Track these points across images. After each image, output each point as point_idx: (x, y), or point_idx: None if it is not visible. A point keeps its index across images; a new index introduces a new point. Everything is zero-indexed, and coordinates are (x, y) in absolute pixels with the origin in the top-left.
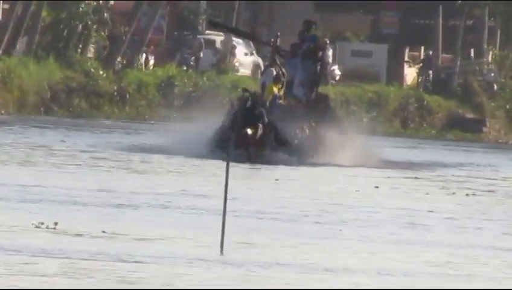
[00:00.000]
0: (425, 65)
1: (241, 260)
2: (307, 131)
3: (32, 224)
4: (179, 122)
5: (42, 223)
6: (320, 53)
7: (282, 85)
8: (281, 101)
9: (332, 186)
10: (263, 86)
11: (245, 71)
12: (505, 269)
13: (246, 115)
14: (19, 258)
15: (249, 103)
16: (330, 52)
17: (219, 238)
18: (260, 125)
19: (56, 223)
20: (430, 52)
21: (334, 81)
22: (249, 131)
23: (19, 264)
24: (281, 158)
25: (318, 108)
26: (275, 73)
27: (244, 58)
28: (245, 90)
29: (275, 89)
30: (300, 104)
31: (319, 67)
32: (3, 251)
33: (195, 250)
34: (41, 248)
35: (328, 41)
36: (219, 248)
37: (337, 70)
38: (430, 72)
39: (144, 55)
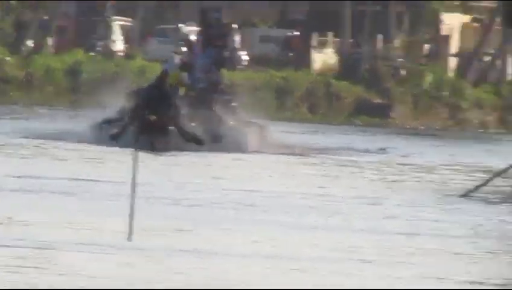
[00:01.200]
0: (335, 51)
1: (150, 246)
2: (210, 117)
3: None
4: (85, 108)
5: None
6: (224, 38)
7: (187, 72)
8: (184, 87)
9: (237, 172)
10: (165, 72)
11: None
12: (390, 252)
13: (150, 101)
14: None
15: (155, 88)
16: (237, 38)
17: (127, 224)
18: (164, 112)
19: None
20: (338, 38)
21: (241, 67)
22: (153, 117)
23: None
24: (184, 145)
25: (221, 94)
26: (178, 60)
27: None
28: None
29: (179, 76)
30: (202, 90)
31: (226, 52)
32: None
33: (104, 236)
34: None
35: (235, 27)
36: (127, 234)
37: (244, 56)
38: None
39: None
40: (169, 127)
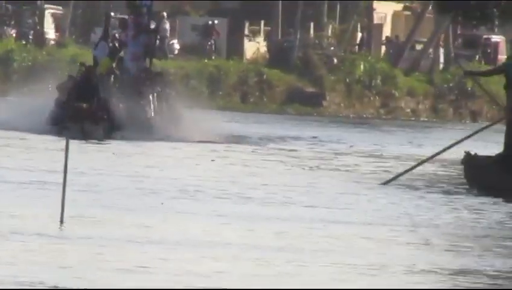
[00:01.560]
0: (267, 39)
1: (81, 234)
2: (144, 106)
3: None
4: (17, 97)
5: None
6: (154, 26)
7: (117, 59)
8: (115, 75)
9: (167, 160)
10: (95, 60)
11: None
12: (331, 242)
13: (80, 89)
14: None
15: (83, 76)
16: (167, 26)
17: (59, 212)
18: (95, 100)
19: None
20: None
21: (172, 55)
22: (83, 105)
23: None
24: (117, 133)
25: (152, 82)
26: (107, 46)
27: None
28: (82, 64)
29: (110, 63)
30: (133, 78)
31: (156, 40)
32: None
33: (35, 224)
34: None
35: (165, 15)
36: (59, 222)
37: (176, 45)
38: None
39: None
40: (100, 115)
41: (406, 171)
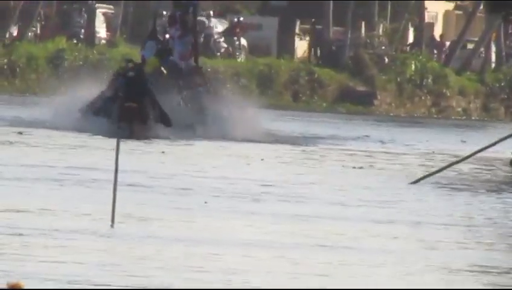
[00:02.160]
0: (315, 38)
1: (132, 233)
2: (192, 104)
3: None
4: (68, 96)
5: None
6: (200, 25)
7: (163, 58)
8: (162, 74)
9: (218, 160)
10: (143, 59)
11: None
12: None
13: (129, 88)
14: None
15: (132, 74)
16: (213, 24)
17: (109, 210)
18: (144, 99)
19: None
20: (318, 27)
21: (219, 53)
22: (133, 104)
23: None
24: (165, 132)
25: (199, 80)
26: (154, 46)
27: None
28: (129, 60)
29: (156, 63)
30: (181, 75)
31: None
32: None
33: (86, 223)
34: None
35: (212, 14)
36: (110, 221)
37: (223, 43)
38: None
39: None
40: (149, 115)
41: (441, 170)
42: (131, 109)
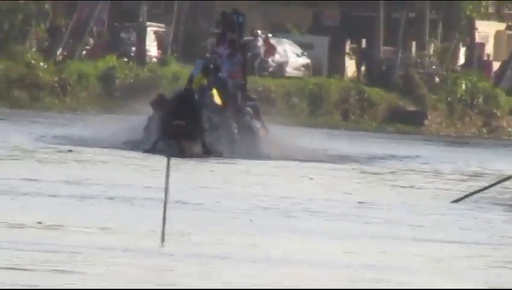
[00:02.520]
0: (362, 57)
1: (182, 251)
2: (239, 123)
3: None
4: (119, 114)
5: None
6: (248, 44)
7: (211, 74)
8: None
9: (265, 178)
10: (191, 77)
11: (295, 72)
12: (427, 262)
13: (179, 106)
14: None
15: (180, 92)
16: (261, 43)
17: (160, 229)
18: (192, 117)
19: None
20: (363, 46)
21: (266, 73)
22: (181, 122)
23: None
24: (218, 151)
25: (248, 99)
26: (203, 64)
27: (295, 60)
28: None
29: (203, 81)
30: (229, 95)
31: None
32: None
33: (136, 241)
34: None
35: (259, 33)
36: (160, 239)
37: (271, 62)
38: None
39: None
40: (198, 133)
41: (484, 189)
42: (180, 127)
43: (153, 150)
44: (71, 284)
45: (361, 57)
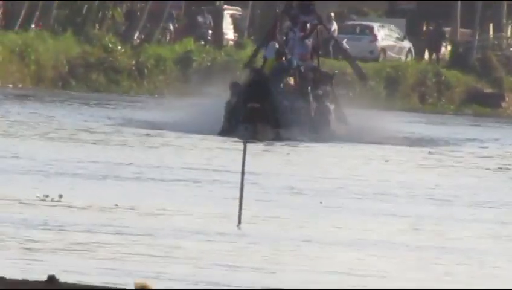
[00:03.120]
0: (432, 39)
1: (258, 233)
2: (315, 106)
3: (37, 196)
4: (196, 98)
5: (47, 196)
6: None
7: (283, 59)
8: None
9: (343, 162)
10: (265, 60)
11: (394, 55)
12: (503, 243)
13: (252, 89)
14: (23, 231)
15: (255, 76)
16: (334, 26)
17: (236, 211)
18: (267, 100)
19: (61, 196)
20: (430, 28)
21: (341, 56)
22: (255, 105)
23: (23, 238)
24: (291, 134)
25: (321, 82)
26: (275, 47)
27: (397, 43)
28: (249, 66)
29: (276, 64)
30: (301, 78)
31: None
32: (7, 224)
33: (213, 223)
34: (43, 220)
35: (333, 16)
36: (237, 221)
37: (345, 45)
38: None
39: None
40: (272, 116)
41: None
42: (254, 109)
43: (228, 133)
44: (148, 266)
45: (431, 38)
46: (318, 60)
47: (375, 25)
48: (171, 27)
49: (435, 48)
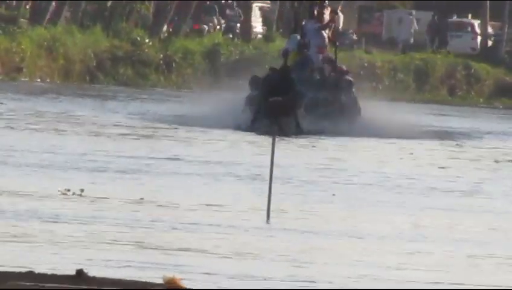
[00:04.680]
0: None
1: (287, 227)
2: (329, 98)
3: (59, 191)
4: (223, 91)
5: (68, 190)
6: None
7: (304, 51)
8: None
9: (363, 154)
10: (286, 52)
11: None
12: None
13: (275, 83)
14: (46, 225)
15: (278, 70)
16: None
17: (265, 206)
18: (289, 94)
19: (82, 190)
20: (435, 17)
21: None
22: (277, 98)
23: (45, 231)
24: (314, 128)
25: (337, 73)
26: (297, 39)
27: None
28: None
29: (297, 57)
30: (318, 70)
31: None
32: (29, 217)
33: (241, 217)
34: (67, 215)
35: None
36: (265, 216)
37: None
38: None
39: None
40: (294, 109)
41: None
42: (277, 103)
43: (251, 128)
44: (175, 259)
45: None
46: (335, 52)
47: (476, 23)
48: (215, 20)
49: (440, 39)
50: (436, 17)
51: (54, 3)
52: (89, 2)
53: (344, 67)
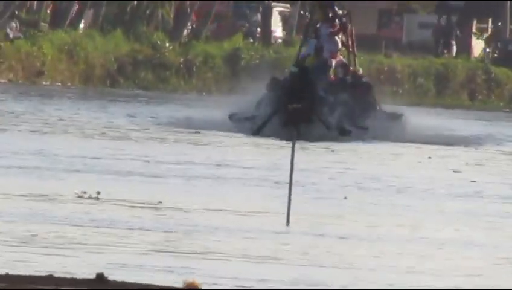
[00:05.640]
0: (494, 37)
1: (307, 231)
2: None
3: (75, 193)
4: (244, 95)
5: (85, 192)
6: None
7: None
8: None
9: (384, 159)
10: (304, 57)
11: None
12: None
13: (292, 89)
14: (61, 227)
15: (297, 75)
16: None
17: (285, 209)
18: (310, 98)
19: (98, 193)
20: (499, 24)
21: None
22: (297, 106)
23: (60, 234)
24: (331, 134)
25: (352, 78)
26: (314, 43)
27: None
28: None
29: (313, 61)
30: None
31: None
32: (45, 220)
33: (261, 221)
34: (82, 218)
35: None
36: (285, 219)
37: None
38: (498, 44)
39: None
40: (314, 115)
41: None
42: (296, 110)
43: (258, 131)
44: (194, 264)
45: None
46: (354, 57)
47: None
48: (247, 24)
49: (445, 42)
50: (441, 20)
51: (75, 8)
52: (109, 6)
53: (361, 71)
